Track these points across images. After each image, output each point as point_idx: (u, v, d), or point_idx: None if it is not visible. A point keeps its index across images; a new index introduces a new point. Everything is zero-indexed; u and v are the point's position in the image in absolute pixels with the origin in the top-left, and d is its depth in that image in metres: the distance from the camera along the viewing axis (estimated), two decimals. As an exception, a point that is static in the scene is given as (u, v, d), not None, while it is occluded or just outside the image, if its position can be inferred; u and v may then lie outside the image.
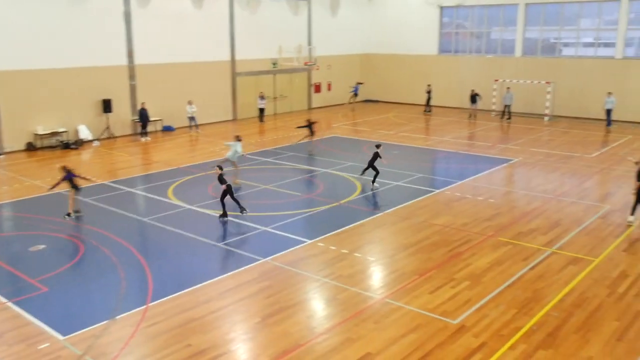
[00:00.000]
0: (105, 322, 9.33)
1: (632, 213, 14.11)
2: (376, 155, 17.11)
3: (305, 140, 23.20)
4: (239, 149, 17.56)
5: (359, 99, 36.82)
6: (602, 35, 30.46)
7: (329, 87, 36.45)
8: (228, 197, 14.17)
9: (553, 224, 14.09)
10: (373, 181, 17.23)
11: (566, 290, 10.44)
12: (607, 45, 30.32)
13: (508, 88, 31.09)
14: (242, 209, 14.42)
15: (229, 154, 17.65)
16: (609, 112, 28.01)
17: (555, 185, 17.92)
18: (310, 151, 22.24)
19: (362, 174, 17.90)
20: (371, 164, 17.21)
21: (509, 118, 30.73)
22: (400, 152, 22.46)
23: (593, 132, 27.26)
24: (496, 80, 32.43)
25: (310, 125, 22.47)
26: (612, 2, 29.84)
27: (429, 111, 33.08)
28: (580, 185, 17.89)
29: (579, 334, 9.06)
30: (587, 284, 10.74)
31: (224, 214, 14.17)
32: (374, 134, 26.85)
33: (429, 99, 33.34)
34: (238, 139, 17.79)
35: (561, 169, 19.89)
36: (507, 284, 10.72)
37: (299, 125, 24.08)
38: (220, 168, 14.30)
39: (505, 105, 30.74)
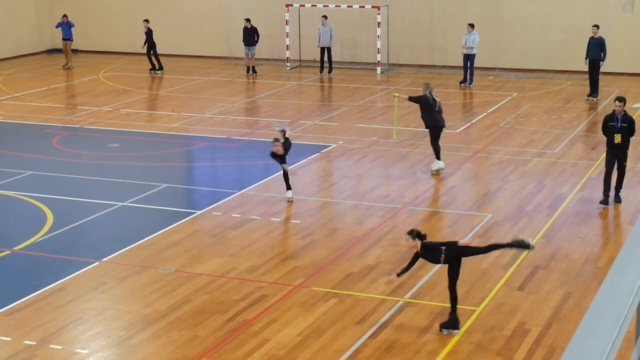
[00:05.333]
0: None
1: (438, 157, 19.48)
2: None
3: None
4: None
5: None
6: None
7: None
8: None
9: (404, 253, 14.75)
10: None
11: (434, 367, 11.05)
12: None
13: (324, 17, 32.39)
14: None
15: None
16: (468, 59, 29.82)
17: (404, 185, 18.98)
18: None
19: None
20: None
21: (330, 69, 32.38)
22: (122, 145, 22.44)
23: (455, 91, 29.48)
24: (289, 6, 33.67)
25: None
26: None
27: (158, 69, 33.41)
28: (441, 183, 19.18)
29: None
30: (467, 350, 11.42)
31: None
32: (71, 112, 26.54)
33: (149, 46, 33.29)
34: None
35: (410, 157, 21.17)
36: (334, 368, 11.03)
37: None
38: None
39: (323, 49, 32.23)
